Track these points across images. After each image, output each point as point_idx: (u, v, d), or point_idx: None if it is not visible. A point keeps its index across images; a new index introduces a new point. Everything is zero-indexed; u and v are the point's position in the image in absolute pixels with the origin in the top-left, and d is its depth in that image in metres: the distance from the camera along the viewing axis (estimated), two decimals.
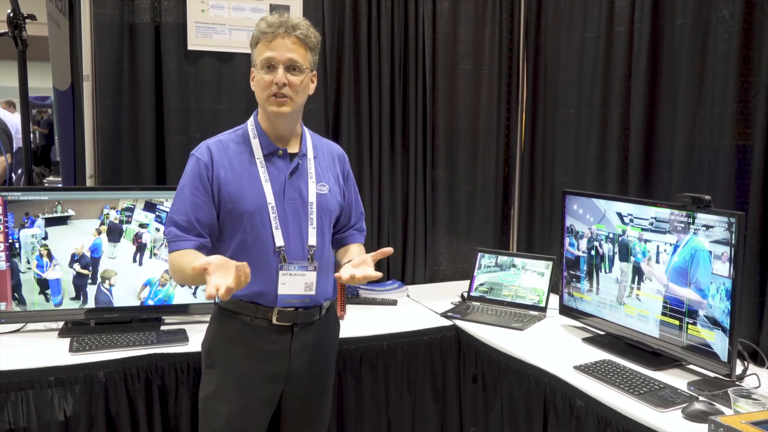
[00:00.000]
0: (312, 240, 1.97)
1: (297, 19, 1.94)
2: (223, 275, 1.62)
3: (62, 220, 2.53)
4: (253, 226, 1.91)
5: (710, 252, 2.10)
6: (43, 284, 2.53)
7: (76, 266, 2.55)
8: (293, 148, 2.01)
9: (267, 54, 1.90)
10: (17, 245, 2.49)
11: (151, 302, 2.61)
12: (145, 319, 2.62)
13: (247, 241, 1.92)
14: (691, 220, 2.17)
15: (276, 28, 1.89)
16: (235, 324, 1.96)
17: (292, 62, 1.90)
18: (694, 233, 2.15)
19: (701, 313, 2.14)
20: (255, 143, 1.97)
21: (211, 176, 1.91)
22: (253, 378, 1.95)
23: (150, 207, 2.61)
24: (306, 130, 2.08)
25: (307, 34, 1.93)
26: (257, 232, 1.92)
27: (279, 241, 1.92)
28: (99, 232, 2.56)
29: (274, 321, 1.94)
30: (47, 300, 2.53)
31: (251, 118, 2.03)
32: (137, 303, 2.61)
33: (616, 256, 2.47)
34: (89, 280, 2.56)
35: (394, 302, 3.05)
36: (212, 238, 1.94)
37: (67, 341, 2.39)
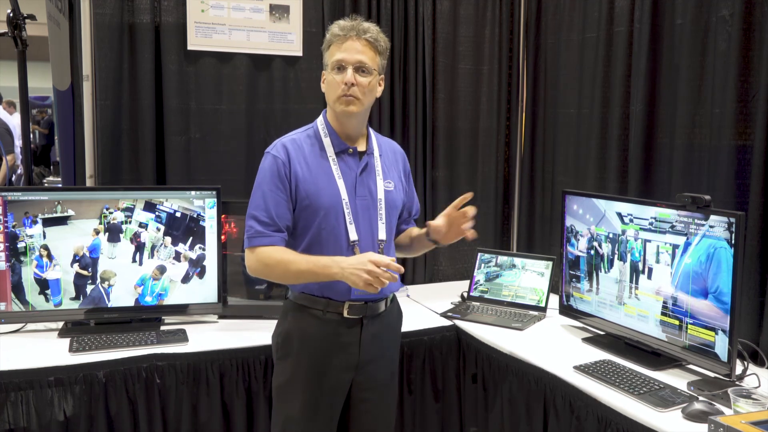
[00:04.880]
0: (382, 234, 2.06)
1: (367, 23, 2.04)
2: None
3: (62, 220, 2.53)
4: (328, 221, 2.00)
5: (732, 249, 2.03)
6: (43, 284, 2.53)
7: (76, 266, 2.55)
8: (361, 147, 2.11)
9: (338, 56, 1.99)
10: (16, 245, 2.49)
11: (149, 298, 2.62)
12: (145, 319, 2.62)
13: (322, 236, 2.00)
14: (705, 218, 2.15)
15: (348, 32, 2.00)
16: (308, 318, 2.03)
17: (361, 64, 1.99)
18: (706, 233, 2.15)
19: (702, 314, 2.14)
20: (326, 141, 2.05)
21: (289, 173, 1.99)
22: (325, 368, 2.03)
23: (150, 207, 2.61)
24: (371, 129, 2.16)
25: (377, 38, 2.02)
26: (332, 227, 2.00)
27: (353, 235, 2.01)
28: (97, 232, 2.56)
29: (345, 314, 2.02)
30: (47, 300, 2.54)
31: (320, 118, 2.11)
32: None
33: (616, 256, 2.47)
34: (89, 281, 2.56)
35: None
36: (289, 233, 2.02)
37: (66, 341, 2.39)
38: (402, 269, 1.91)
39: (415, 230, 2.33)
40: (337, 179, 2.02)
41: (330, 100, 2.04)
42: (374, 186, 2.08)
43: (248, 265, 2.03)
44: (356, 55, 1.98)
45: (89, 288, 2.57)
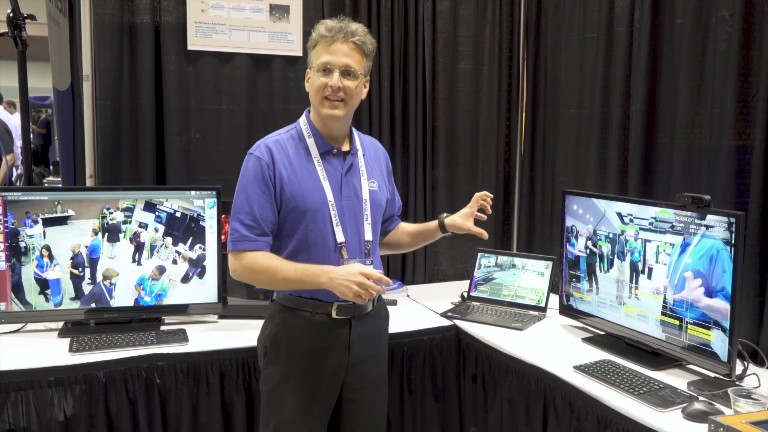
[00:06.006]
0: (368, 235, 2.06)
1: (355, 25, 2.01)
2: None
3: (62, 220, 2.53)
4: (315, 223, 1.99)
5: (729, 249, 2.04)
6: (43, 284, 2.53)
7: (68, 265, 2.55)
8: (345, 147, 2.10)
9: (324, 58, 1.97)
10: (17, 245, 2.49)
11: (147, 298, 2.61)
12: (145, 319, 2.62)
13: (309, 238, 1.99)
14: (702, 218, 2.15)
15: (335, 33, 1.97)
16: (296, 320, 2.02)
17: (348, 67, 1.98)
18: (706, 233, 2.15)
19: (701, 312, 2.14)
20: (310, 142, 2.04)
21: (273, 175, 1.97)
22: (316, 370, 2.02)
23: (150, 207, 2.61)
24: (353, 128, 2.15)
25: (364, 41, 2.01)
26: (319, 229, 1.99)
27: (340, 237, 2.00)
28: (96, 233, 2.56)
29: (334, 315, 2.01)
30: (47, 300, 2.54)
31: (303, 118, 2.09)
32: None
33: (616, 256, 2.47)
34: (86, 281, 2.56)
35: (394, 302, 3.05)
36: (273, 236, 2.01)
37: (66, 341, 2.39)
38: (390, 282, 1.92)
39: (409, 226, 2.34)
40: (322, 180, 2.01)
41: (314, 101, 2.02)
42: (359, 186, 2.07)
43: (232, 270, 2.00)
44: (343, 58, 1.96)
45: (86, 288, 2.56)
